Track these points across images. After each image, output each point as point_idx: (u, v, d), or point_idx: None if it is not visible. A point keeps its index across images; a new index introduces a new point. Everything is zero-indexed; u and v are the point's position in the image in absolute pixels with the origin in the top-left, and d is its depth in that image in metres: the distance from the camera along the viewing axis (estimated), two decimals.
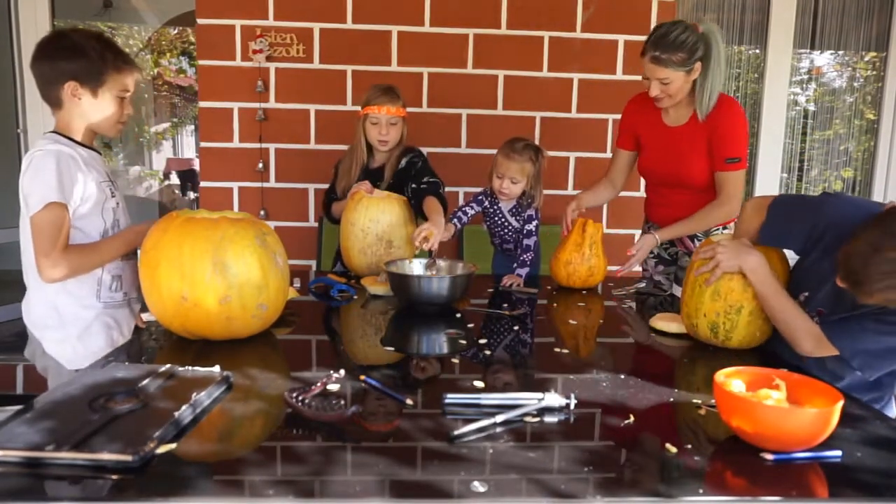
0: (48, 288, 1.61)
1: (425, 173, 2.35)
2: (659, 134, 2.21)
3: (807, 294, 1.49)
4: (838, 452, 0.98)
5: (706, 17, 2.02)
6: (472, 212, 2.39)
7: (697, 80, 2.04)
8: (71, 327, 1.65)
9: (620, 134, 2.37)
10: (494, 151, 2.33)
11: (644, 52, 2.03)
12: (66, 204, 1.55)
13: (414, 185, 2.32)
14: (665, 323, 1.69)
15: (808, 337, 1.41)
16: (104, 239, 1.66)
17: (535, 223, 2.29)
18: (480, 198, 2.40)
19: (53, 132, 1.66)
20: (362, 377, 1.24)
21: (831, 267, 1.33)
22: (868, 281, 1.22)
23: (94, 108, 1.65)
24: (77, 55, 1.60)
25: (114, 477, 0.86)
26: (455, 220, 2.33)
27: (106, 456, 0.87)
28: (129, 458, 0.87)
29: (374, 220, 2.15)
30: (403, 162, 2.41)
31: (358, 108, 2.44)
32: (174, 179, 8.41)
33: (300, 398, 1.09)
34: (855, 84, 3.85)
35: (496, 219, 2.40)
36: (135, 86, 1.72)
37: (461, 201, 3.12)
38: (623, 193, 3.19)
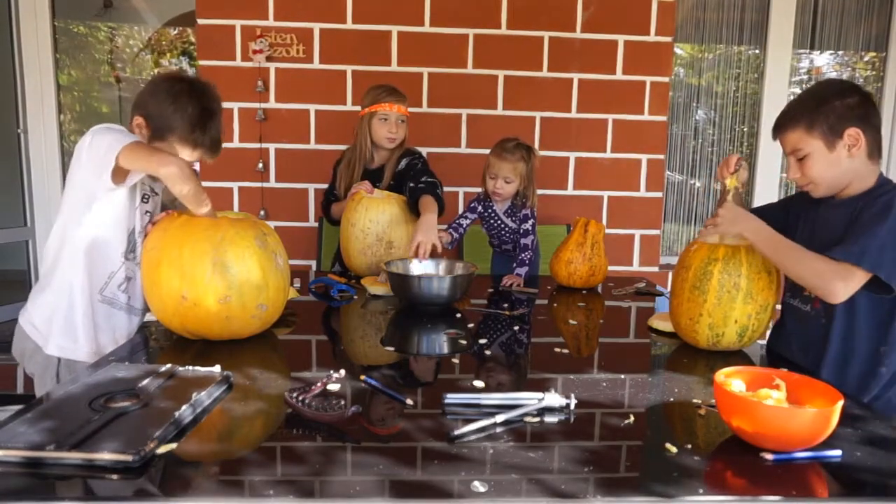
0: (62, 280, 1.57)
1: (424, 174, 2.34)
2: None
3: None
4: (838, 452, 0.98)
5: None
6: (468, 220, 2.39)
7: None
8: (67, 320, 1.58)
9: None
10: None
11: None
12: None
13: (412, 185, 2.32)
14: (663, 322, 1.69)
15: (833, 276, 1.34)
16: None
17: (531, 222, 2.30)
18: (474, 204, 2.40)
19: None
20: (362, 377, 1.24)
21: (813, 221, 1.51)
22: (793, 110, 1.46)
23: None
24: (167, 102, 1.56)
25: (114, 477, 0.86)
26: (452, 230, 2.33)
27: (106, 456, 0.87)
28: (129, 458, 0.87)
29: (374, 220, 2.15)
30: (403, 163, 2.41)
31: (357, 108, 2.43)
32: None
33: (300, 398, 1.09)
34: None
35: (492, 221, 2.39)
36: (196, 160, 1.65)
37: (461, 201, 3.12)
38: (624, 194, 3.22)
